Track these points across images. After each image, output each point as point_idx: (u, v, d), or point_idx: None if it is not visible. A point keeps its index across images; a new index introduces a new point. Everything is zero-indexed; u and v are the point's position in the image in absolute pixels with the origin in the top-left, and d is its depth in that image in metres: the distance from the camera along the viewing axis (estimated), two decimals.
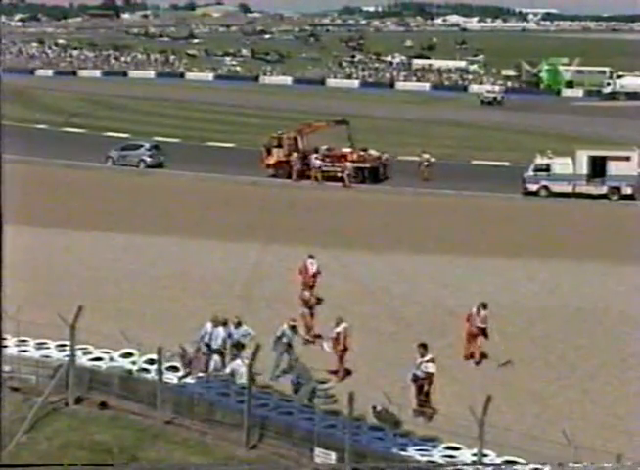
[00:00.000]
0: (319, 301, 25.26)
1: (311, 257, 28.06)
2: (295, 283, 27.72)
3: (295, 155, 49.52)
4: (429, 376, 20.17)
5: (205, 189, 46.81)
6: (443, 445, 18.02)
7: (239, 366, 20.77)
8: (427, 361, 20.26)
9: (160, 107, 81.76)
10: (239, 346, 21.55)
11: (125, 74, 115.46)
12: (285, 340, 21.96)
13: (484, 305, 23.53)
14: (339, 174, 48.78)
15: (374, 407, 19.09)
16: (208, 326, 21.63)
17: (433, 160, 50.87)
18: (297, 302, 26.44)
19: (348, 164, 48.89)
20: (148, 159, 53.26)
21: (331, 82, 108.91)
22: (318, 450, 17.45)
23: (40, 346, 21.96)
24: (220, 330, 21.54)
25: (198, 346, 21.50)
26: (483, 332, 23.40)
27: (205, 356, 21.44)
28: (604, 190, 46.08)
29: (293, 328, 22.24)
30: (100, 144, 57.12)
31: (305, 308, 24.45)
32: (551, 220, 40.84)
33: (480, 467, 16.95)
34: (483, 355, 23.54)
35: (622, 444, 18.48)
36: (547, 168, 46.59)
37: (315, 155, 49.43)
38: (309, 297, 24.78)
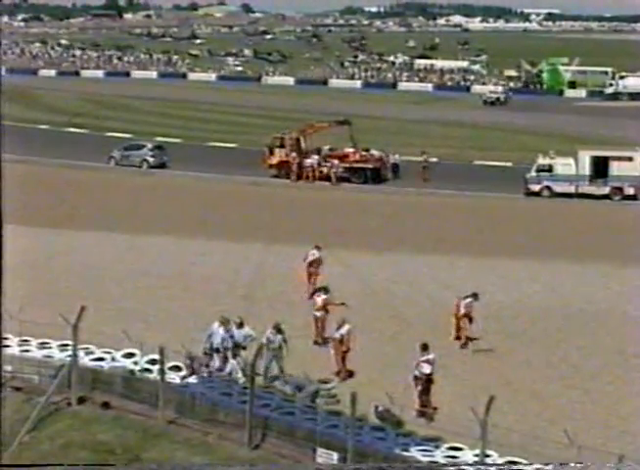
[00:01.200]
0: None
1: (317, 247, 28.50)
2: (298, 282, 27.86)
3: (293, 155, 49.59)
4: (425, 376, 20.21)
5: (208, 189, 46.83)
6: (446, 445, 18.03)
7: (234, 365, 20.82)
8: (423, 361, 20.31)
9: (163, 107, 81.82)
10: (238, 347, 21.49)
11: (128, 75, 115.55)
12: (272, 345, 21.46)
13: (475, 295, 24.52)
14: (330, 173, 49.07)
15: (376, 407, 19.11)
16: (215, 326, 21.62)
17: (432, 160, 51.02)
18: (301, 299, 26.53)
19: (335, 162, 49.06)
20: (150, 159, 53.30)
21: (333, 83, 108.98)
22: (320, 450, 17.46)
23: (43, 346, 21.98)
24: (221, 330, 21.52)
25: (204, 347, 21.51)
26: (466, 316, 24.30)
27: (208, 356, 21.45)
28: (606, 190, 46.11)
29: (278, 330, 21.65)
30: (103, 144, 57.19)
31: (323, 311, 24.23)
32: (553, 221, 40.83)
33: (482, 467, 16.96)
34: (468, 338, 24.25)
35: (624, 444, 18.50)
36: (549, 169, 46.61)
37: (315, 156, 49.58)
38: (331, 301, 24.56)
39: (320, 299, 24.43)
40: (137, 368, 20.84)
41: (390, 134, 63.82)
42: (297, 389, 20.31)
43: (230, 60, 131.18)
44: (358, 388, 18.61)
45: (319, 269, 28.19)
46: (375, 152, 50.78)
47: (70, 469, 17.17)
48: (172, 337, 21.57)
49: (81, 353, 20.85)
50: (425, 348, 20.55)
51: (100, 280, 29.14)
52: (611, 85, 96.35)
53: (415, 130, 69.57)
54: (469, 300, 24.46)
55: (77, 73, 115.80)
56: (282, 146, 50.10)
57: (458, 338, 24.43)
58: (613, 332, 25.88)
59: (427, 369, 20.24)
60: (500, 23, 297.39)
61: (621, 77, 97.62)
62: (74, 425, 19.08)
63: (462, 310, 24.39)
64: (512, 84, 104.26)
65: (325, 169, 49.31)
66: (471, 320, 24.48)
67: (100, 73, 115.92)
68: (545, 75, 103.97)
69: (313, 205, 44.09)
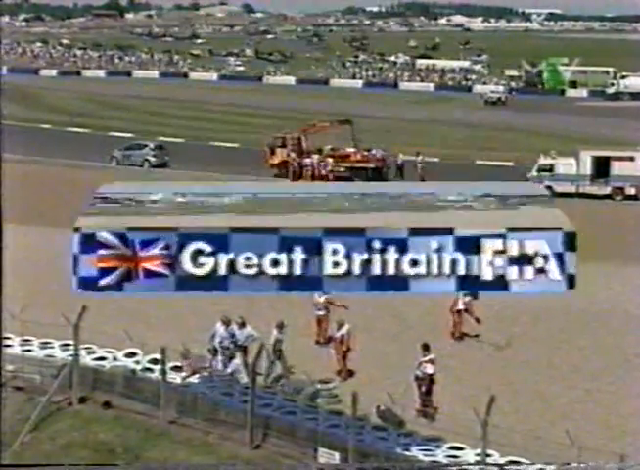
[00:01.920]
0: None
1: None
2: None
3: (292, 155, 49.60)
4: (428, 377, 20.24)
5: None
6: (447, 445, 18.04)
7: (237, 365, 20.83)
8: (426, 362, 20.33)
9: (164, 107, 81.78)
10: (240, 347, 21.49)
11: (129, 74, 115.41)
12: (278, 346, 21.47)
13: (474, 295, 24.44)
14: (328, 173, 49.16)
15: (377, 407, 19.11)
16: (218, 326, 21.62)
17: (429, 160, 51.17)
18: (302, 299, 26.51)
19: (329, 160, 49.10)
20: (152, 158, 53.36)
21: (335, 82, 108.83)
22: (322, 450, 17.46)
23: (44, 345, 21.99)
24: (222, 330, 21.52)
25: (209, 347, 21.52)
26: (460, 312, 24.84)
27: (212, 356, 21.45)
28: (608, 190, 46.11)
29: (281, 328, 21.67)
30: (104, 144, 57.20)
31: (324, 310, 24.21)
32: None
33: (483, 467, 16.97)
34: (463, 334, 24.86)
35: (626, 444, 18.48)
36: (551, 169, 46.61)
37: (315, 155, 49.62)
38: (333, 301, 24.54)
39: (321, 297, 24.35)
40: (138, 368, 20.86)
41: (392, 134, 63.81)
42: (295, 391, 20.31)
43: (231, 59, 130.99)
44: (359, 388, 18.60)
45: None
46: (376, 151, 50.81)
47: (72, 469, 17.19)
48: (174, 337, 21.57)
49: (83, 353, 20.85)
50: (426, 348, 20.57)
51: None
52: (612, 85, 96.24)
53: (416, 130, 69.55)
54: (467, 298, 24.57)
55: (79, 73, 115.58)
56: (283, 146, 50.15)
57: (458, 335, 24.78)
58: (614, 332, 25.86)
59: (430, 369, 20.26)
60: (501, 23, 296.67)
61: (623, 77, 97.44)
62: (75, 425, 19.07)
63: (459, 306, 24.65)
64: (513, 84, 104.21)
65: (324, 169, 49.36)
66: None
67: (101, 73, 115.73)
68: (545, 75, 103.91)
69: None
